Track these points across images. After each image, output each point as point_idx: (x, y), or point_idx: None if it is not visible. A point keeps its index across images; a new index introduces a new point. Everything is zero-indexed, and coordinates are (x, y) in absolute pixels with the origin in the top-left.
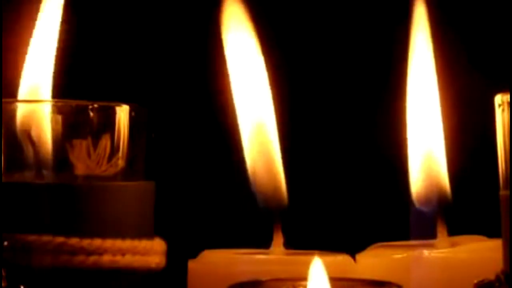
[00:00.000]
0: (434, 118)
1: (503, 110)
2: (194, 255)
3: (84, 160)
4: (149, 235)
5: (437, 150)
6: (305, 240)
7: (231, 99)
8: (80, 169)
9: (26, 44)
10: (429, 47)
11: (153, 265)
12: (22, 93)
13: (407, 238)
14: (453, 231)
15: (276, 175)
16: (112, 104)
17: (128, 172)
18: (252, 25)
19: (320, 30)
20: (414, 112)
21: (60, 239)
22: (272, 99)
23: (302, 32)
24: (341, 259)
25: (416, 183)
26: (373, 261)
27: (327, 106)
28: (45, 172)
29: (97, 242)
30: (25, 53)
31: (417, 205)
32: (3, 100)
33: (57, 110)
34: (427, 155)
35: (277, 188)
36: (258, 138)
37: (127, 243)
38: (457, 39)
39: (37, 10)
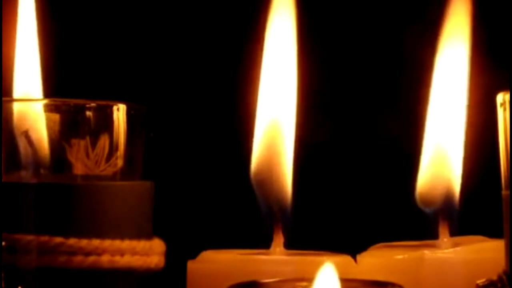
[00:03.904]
0: (453, 117)
1: (504, 109)
2: (194, 255)
3: (83, 160)
4: (148, 235)
5: (451, 151)
6: (306, 241)
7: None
8: (79, 168)
9: (15, 42)
10: (457, 44)
11: (152, 266)
12: (16, 92)
13: (408, 238)
14: (454, 231)
15: (282, 176)
16: (110, 103)
17: (127, 172)
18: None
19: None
20: (432, 111)
21: (58, 240)
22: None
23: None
24: (342, 260)
25: (423, 184)
26: (374, 261)
27: (330, 106)
28: (43, 171)
29: (96, 242)
30: (15, 51)
31: (419, 205)
32: None
33: (54, 109)
34: (439, 155)
35: (281, 189)
36: (268, 137)
37: (126, 243)
38: (489, 36)
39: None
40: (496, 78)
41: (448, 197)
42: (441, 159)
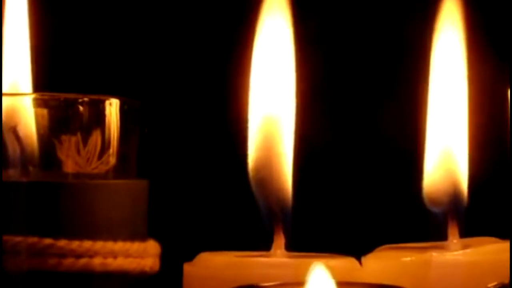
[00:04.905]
0: (458, 114)
1: None
2: (190, 258)
3: (73, 157)
4: (143, 237)
5: (458, 148)
6: (308, 242)
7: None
8: (69, 166)
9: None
10: (457, 37)
11: (147, 269)
12: (3, 86)
13: (415, 239)
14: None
15: (282, 174)
16: (102, 97)
17: (120, 170)
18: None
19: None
20: (436, 108)
21: (47, 241)
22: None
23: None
24: (346, 262)
25: (430, 182)
26: (380, 264)
27: (332, 105)
28: (31, 169)
29: (87, 244)
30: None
31: (428, 205)
32: None
33: (44, 104)
34: (446, 152)
35: (281, 189)
36: (266, 134)
37: (119, 245)
38: (488, 31)
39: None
40: (497, 73)
41: (456, 196)
42: (447, 157)
